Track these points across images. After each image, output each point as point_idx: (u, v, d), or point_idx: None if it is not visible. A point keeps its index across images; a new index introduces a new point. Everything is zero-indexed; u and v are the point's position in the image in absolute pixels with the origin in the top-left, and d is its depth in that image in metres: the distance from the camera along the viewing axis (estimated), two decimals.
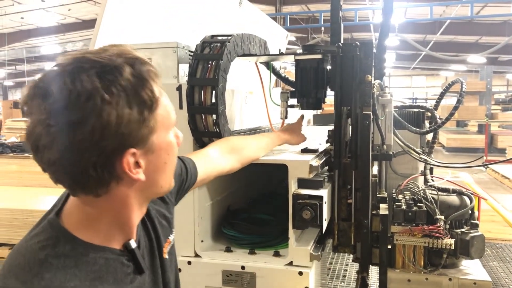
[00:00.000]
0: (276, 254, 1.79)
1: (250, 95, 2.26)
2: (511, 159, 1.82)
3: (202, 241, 1.83)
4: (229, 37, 1.70)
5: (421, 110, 2.08)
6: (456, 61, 18.95)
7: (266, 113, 2.03)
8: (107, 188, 0.80)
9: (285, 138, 1.88)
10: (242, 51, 1.81)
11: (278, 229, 1.85)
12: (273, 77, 2.08)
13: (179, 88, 1.72)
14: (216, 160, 1.47)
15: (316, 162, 1.70)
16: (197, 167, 1.34)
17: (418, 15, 13.51)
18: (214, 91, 1.61)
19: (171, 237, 1.12)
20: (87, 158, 0.75)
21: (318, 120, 3.98)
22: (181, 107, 1.73)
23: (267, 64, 2.06)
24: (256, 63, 2.05)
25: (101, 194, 0.81)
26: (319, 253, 1.73)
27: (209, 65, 1.64)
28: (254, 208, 2.08)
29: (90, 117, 0.73)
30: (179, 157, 1.28)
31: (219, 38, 1.71)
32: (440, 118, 2.01)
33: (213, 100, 1.61)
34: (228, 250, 1.84)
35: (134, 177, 0.81)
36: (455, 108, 1.83)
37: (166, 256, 1.05)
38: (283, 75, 2.10)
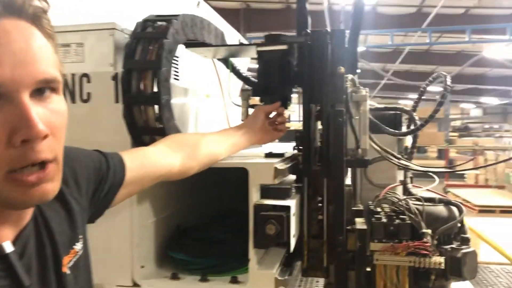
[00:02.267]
0: (234, 281, 1.46)
1: (207, 99, 1.96)
2: (501, 162, 1.59)
3: (142, 266, 1.48)
4: (177, 16, 1.42)
5: (397, 112, 1.85)
6: (416, 89, 19.53)
7: (225, 117, 1.74)
8: None
9: (250, 138, 1.57)
10: (193, 36, 1.53)
11: (236, 250, 1.52)
12: (233, 77, 1.80)
13: (115, 77, 1.41)
14: (158, 156, 1.16)
15: (282, 166, 1.41)
16: (127, 163, 1.02)
17: (379, 43, 13.84)
18: (156, 77, 1.30)
19: (78, 246, 0.85)
20: None
21: (283, 136, 3.71)
22: (117, 101, 1.41)
23: (226, 62, 1.78)
24: (213, 60, 1.77)
25: None
26: (286, 277, 1.42)
27: (150, 47, 1.34)
28: (208, 227, 1.74)
29: None
30: (97, 150, 0.97)
31: (165, 16, 1.42)
32: (418, 120, 1.78)
33: (155, 89, 1.31)
34: (174, 277, 1.50)
35: None
36: (440, 104, 1.60)
37: (66, 270, 0.80)
38: (243, 74, 1.82)
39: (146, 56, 1.31)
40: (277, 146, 1.94)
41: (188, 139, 1.31)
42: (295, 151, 1.69)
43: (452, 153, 14.53)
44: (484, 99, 25.83)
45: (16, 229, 0.73)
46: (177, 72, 1.73)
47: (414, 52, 15.31)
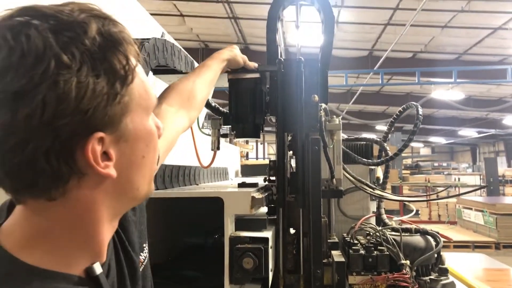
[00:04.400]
0: None
1: None
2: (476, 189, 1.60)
3: None
4: (149, 39, 1.36)
5: (368, 142, 1.84)
6: (369, 128, 20.21)
7: (193, 146, 1.67)
8: (64, 188, 0.60)
9: (225, 58, 1.45)
10: (164, 61, 1.47)
11: (210, 287, 1.42)
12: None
13: None
14: (173, 123, 1.13)
15: (259, 195, 1.35)
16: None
17: (334, 82, 14.21)
18: None
19: (144, 255, 0.84)
20: (36, 144, 0.56)
21: (247, 171, 3.66)
22: None
23: None
24: None
25: (56, 197, 0.61)
26: None
27: None
28: (180, 262, 1.63)
29: (40, 85, 0.55)
30: None
31: (136, 39, 1.36)
32: (389, 151, 1.79)
33: None
34: None
35: (102, 172, 0.62)
36: (413, 133, 1.61)
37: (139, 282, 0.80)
38: (212, 104, 1.77)
39: None
40: (247, 179, 1.87)
41: (184, 90, 1.25)
42: (267, 183, 1.63)
43: (405, 190, 14.96)
44: (432, 139, 27.09)
45: (104, 247, 0.71)
46: None
47: (366, 93, 15.95)
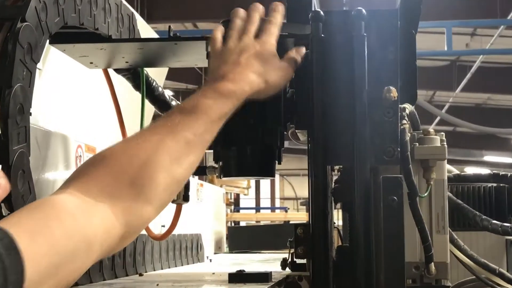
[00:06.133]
0: None
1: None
2: None
3: None
4: None
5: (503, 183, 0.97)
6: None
7: None
8: None
9: (241, 95, 0.73)
10: (76, 17, 0.70)
11: None
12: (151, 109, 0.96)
13: None
14: (92, 220, 0.56)
15: None
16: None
17: (423, 47, 9.93)
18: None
19: None
20: None
21: (239, 236, 2.52)
22: None
23: (134, 75, 0.92)
24: (107, 74, 0.95)
25: None
26: None
27: None
28: None
29: None
30: None
31: None
32: None
33: None
34: None
35: None
36: None
37: None
38: (172, 103, 0.95)
39: None
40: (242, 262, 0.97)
41: (125, 164, 0.63)
42: (288, 270, 0.80)
43: None
44: None
45: None
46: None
47: (488, 69, 8.20)
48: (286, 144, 1.03)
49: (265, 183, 11.85)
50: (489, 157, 12.42)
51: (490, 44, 6.75)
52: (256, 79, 0.71)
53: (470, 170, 8.69)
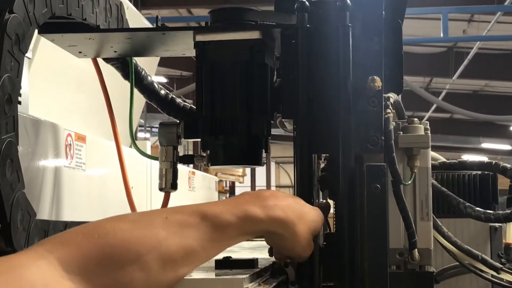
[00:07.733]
0: None
1: (82, 145, 1.02)
2: None
3: None
4: None
5: (488, 171, 0.99)
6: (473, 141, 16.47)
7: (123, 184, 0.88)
8: None
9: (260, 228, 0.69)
10: (63, 8, 0.71)
11: None
12: (141, 98, 0.95)
13: None
14: None
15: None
16: None
17: (415, 33, 9.87)
18: None
19: None
20: None
21: None
22: None
23: (123, 64, 0.92)
24: (95, 62, 0.94)
25: None
26: None
27: None
28: None
29: None
30: None
31: None
32: None
33: None
34: None
35: None
36: None
37: None
38: (161, 92, 0.95)
39: None
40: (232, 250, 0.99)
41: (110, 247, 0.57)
42: (274, 259, 0.82)
43: None
44: None
45: None
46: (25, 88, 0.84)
47: (486, 56, 8.19)
48: (281, 132, 1.04)
49: (260, 171, 11.23)
50: (487, 144, 12.38)
51: (487, 30, 6.66)
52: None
53: (467, 157, 8.76)
